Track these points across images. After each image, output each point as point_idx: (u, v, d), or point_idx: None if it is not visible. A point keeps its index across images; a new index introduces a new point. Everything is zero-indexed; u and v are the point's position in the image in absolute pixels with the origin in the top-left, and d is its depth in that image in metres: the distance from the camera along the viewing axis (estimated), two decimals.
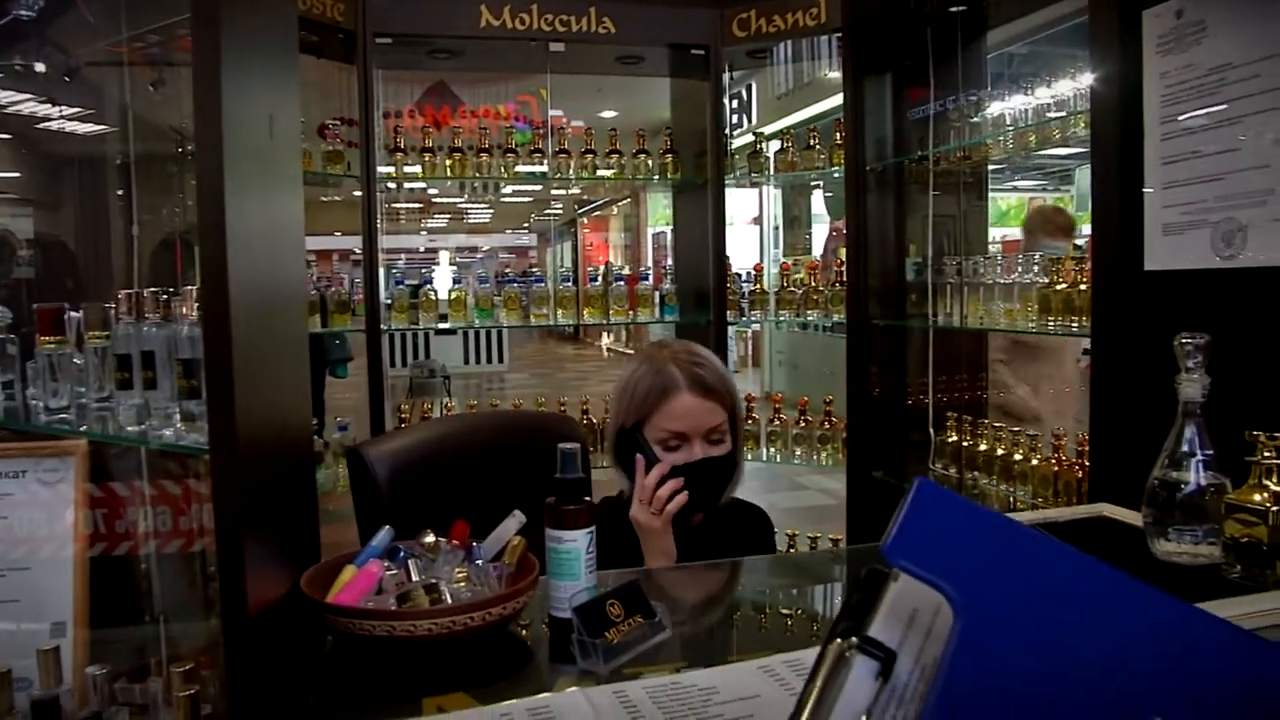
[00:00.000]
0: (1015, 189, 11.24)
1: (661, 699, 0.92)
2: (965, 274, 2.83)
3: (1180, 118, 1.49)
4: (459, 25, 3.12)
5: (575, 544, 1.13)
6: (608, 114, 9.28)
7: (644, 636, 1.09)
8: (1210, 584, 1.19)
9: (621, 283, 3.53)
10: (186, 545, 1.79)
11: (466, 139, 3.43)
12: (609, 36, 3.20)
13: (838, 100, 3.36)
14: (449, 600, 1.08)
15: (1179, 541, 1.28)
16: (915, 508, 0.59)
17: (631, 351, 14.24)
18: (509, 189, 3.22)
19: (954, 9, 2.88)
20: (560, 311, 3.48)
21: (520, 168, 3.41)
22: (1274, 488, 1.20)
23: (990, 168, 3.37)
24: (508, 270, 3.73)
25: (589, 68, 3.70)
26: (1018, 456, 2.70)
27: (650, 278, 3.56)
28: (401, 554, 1.17)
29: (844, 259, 3.29)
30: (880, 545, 0.56)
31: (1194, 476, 1.25)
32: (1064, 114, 2.52)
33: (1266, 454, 1.20)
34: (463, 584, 1.13)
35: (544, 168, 3.42)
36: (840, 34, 3.11)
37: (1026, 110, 2.67)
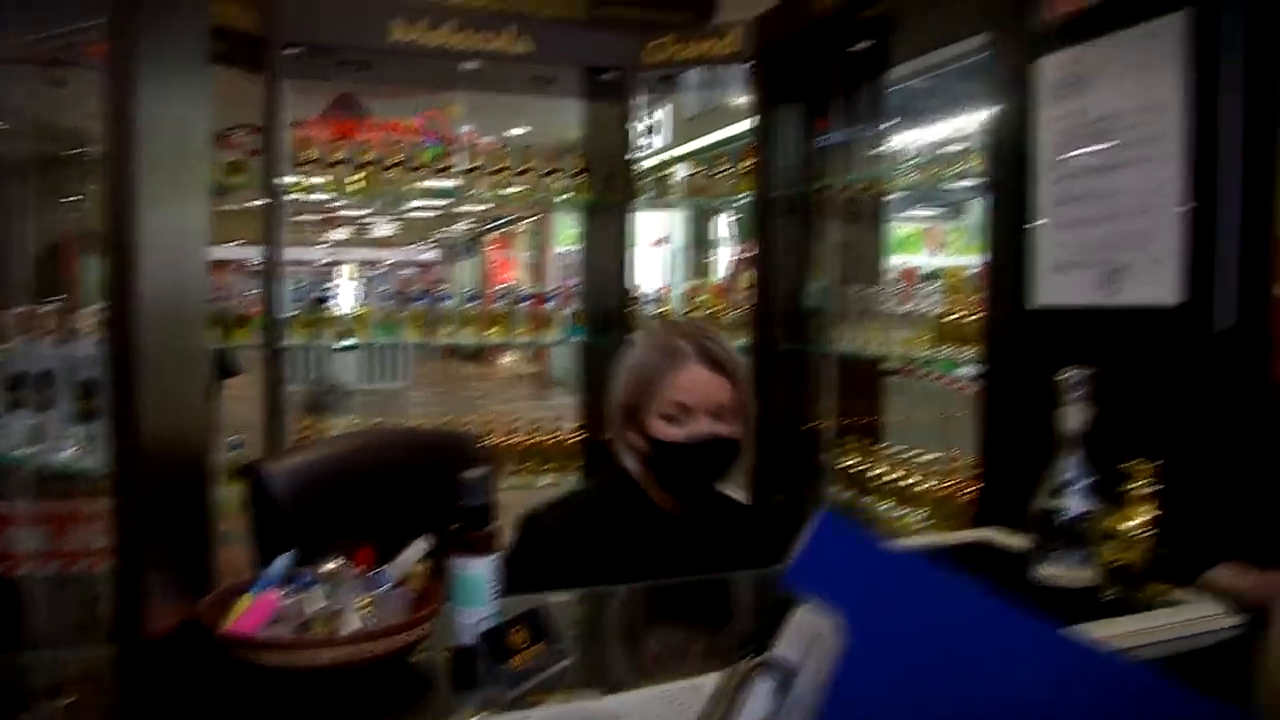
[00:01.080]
0: (912, 219, 11.61)
1: None
2: (865, 301, 2.92)
3: (1069, 162, 1.58)
4: (371, 38, 3.09)
5: (480, 571, 1.13)
6: (518, 130, 9.29)
7: (547, 663, 1.09)
8: (1087, 605, 1.25)
9: (527, 303, 3.53)
10: (67, 567, 1.73)
11: (375, 153, 3.39)
12: (524, 56, 3.20)
13: (746, 125, 3.43)
14: (352, 628, 1.07)
15: (1059, 565, 1.34)
16: (816, 537, 0.63)
17: (535, 369, 14.19)
18: (415, 203, 3.19)
19: (859, 45, 2.98)
20: (465, 330, 3.45)
21: (429, 183, 3.38)
22: (1146, 514, 1.27)
23: (892, 196, 3.48)
24: (412, 286, 3.70)
25: (502, 87, 3.68)
26: (913, 481, 2.79)
27: (555, 299, 3.57)
28: (302, 580, 1.15)
29: (749, 283, 3.36)
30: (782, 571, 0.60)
31: (1074, 503, 1.32)
32: (962, 149, 2.63)
33: (1139, 483, 1.27)
34: (366, 611, 1.12)
35: (452, 183, 3.40)
36: (752, 63, 3.18)
37: (924, 146, 2.77)
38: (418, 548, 1.21)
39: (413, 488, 1.73)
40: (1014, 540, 1.46)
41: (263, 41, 2.93)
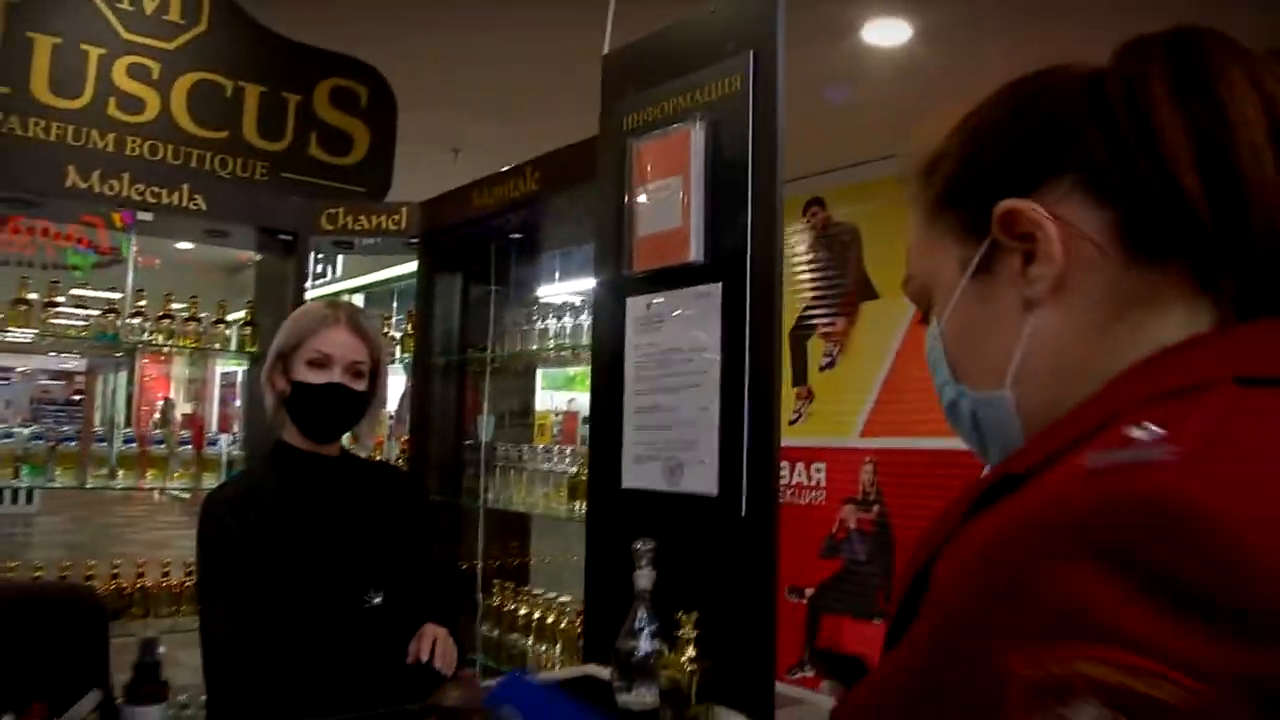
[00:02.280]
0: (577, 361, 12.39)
1: None
2: (511, 459, 3.31)
3: (646, 380, 2.05)
4: (45, 183, 3.08)
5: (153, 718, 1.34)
6: (184, 246, 9.00)
7: None
8: None
9: (188, 446, 3.54)
10: None
11: (16, 253, 3.34)
12: (198, 213, 3.32)
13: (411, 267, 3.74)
14: None
15: (634, 693, 1.73)
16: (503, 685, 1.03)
17: (188, 496, 13.30)
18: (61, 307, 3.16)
19: (512, 235, 3.44)
20: (122, 473, 3.42)
21: (80, 291, 3.36)
22: (691, 652, 1.68)
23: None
24: (50, 400, 3.61)
25: (176, 234, 3.76)
26: (550, 619, 3.15)
27: (218, 443, 3.63)
28: None
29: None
30: None
31: (643, 645, 1.72)
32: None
33: (686, 628, 1.68)
34: None
35: (111, 294, 3.38)
36: (417, 240, 3.54)
37: (565, 327, 3.24)
38: (90, 699, 1.38)
39: (24, 650, 1.81)
40: (609, 673, 1.82)
41: None
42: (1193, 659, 0.41)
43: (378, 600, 1.94)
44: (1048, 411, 0.62)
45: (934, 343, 0.73)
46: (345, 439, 2.12)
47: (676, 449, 1.93)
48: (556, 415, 7.37)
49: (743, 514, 1.81)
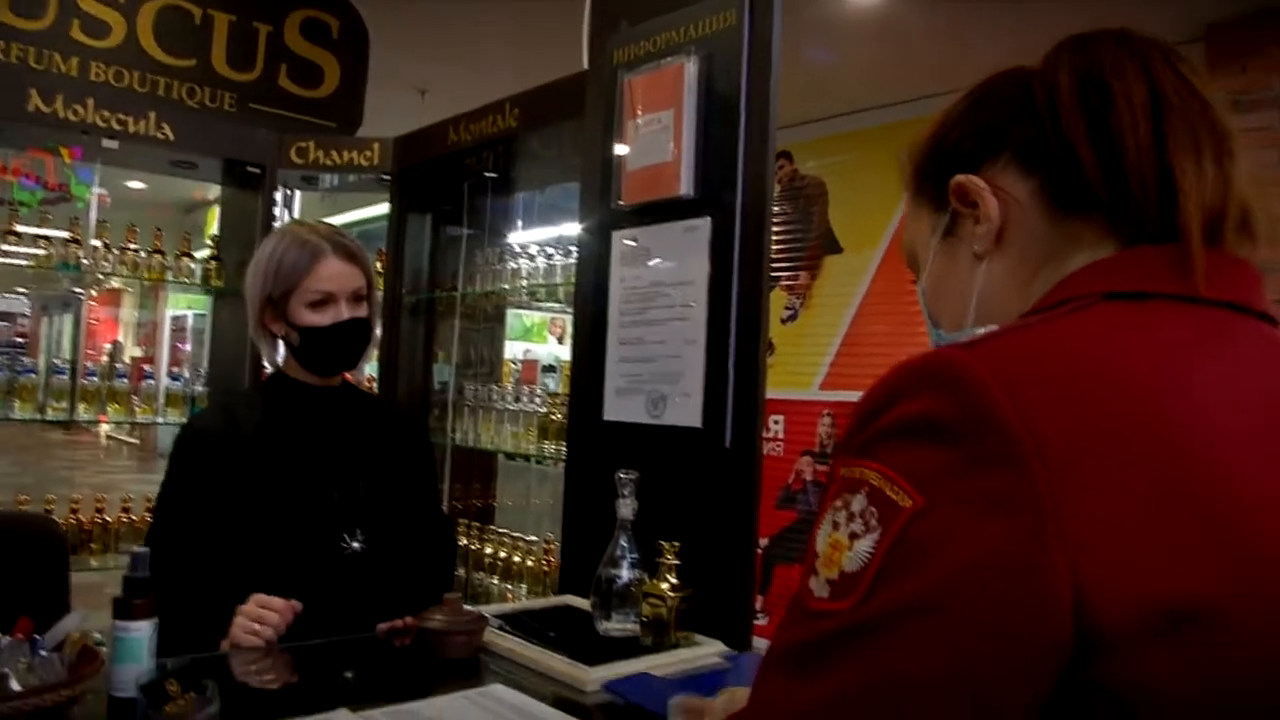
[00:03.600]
0: (539, 308, 12.34)
1: None
2: (480, 398, 3.31)
3: (631, 313, 2.06)
4: (6, 106, 3.00)
5: (140, 633, 1.32)
6: (135, 185, 8.79)
7: (197, 709, 1.31)
8: (633, 649, 1.66)
9: (125, 379, 3.49)
10: None
11: None
12: (166, 143, 3.26)
13: (380, 210, 3.68)
14: (15, 688, 1.22)
15: (614, 621, 1.76)
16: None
17: (136, 441, 13.08)
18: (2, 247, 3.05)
19: (488, 174, 3.41)
20: (51, 403, 3.34)
21: (26, 228, 3.28)
22: (672, 580, 1.72)
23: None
24: None
25: (142, 165, 3.67)
26: (515, 558, 3.18)
27: (156, 377, 3.57)
28: None
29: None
30: None
31: (624, 573, 1.75)
32: (570, 269, 3.07)
33: (668, 557, 1.72)
34: (27, 672, 1.27)
35: (58, 233, 3.31)
36: (390, 177, 3.50)
37: (538, 268, 3.23)
38: (72, 619, 1.38)
39: None
40: (586, 603, 1.85)
41: None
42: (922, 475, 0.59)
43: (357, 545, 1.82)
44: None
45: (920, 298, 0.90)
46: None
47: (660, 382, 1.95)
48: (515, 364, 7.37)
49: (727, 445, 1.84)
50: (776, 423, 5.53)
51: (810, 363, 5.43)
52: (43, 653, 1.32)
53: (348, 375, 2.00)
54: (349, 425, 1.92)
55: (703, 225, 1.91)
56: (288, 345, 1.88)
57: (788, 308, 5.60)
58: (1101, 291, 0.69)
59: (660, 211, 2.01)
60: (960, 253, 0.83)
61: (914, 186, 0.89)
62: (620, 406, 2.04)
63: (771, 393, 5.47)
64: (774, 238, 5.65)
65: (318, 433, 1.88)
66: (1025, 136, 0.78)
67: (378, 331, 1.95)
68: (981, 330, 0.78)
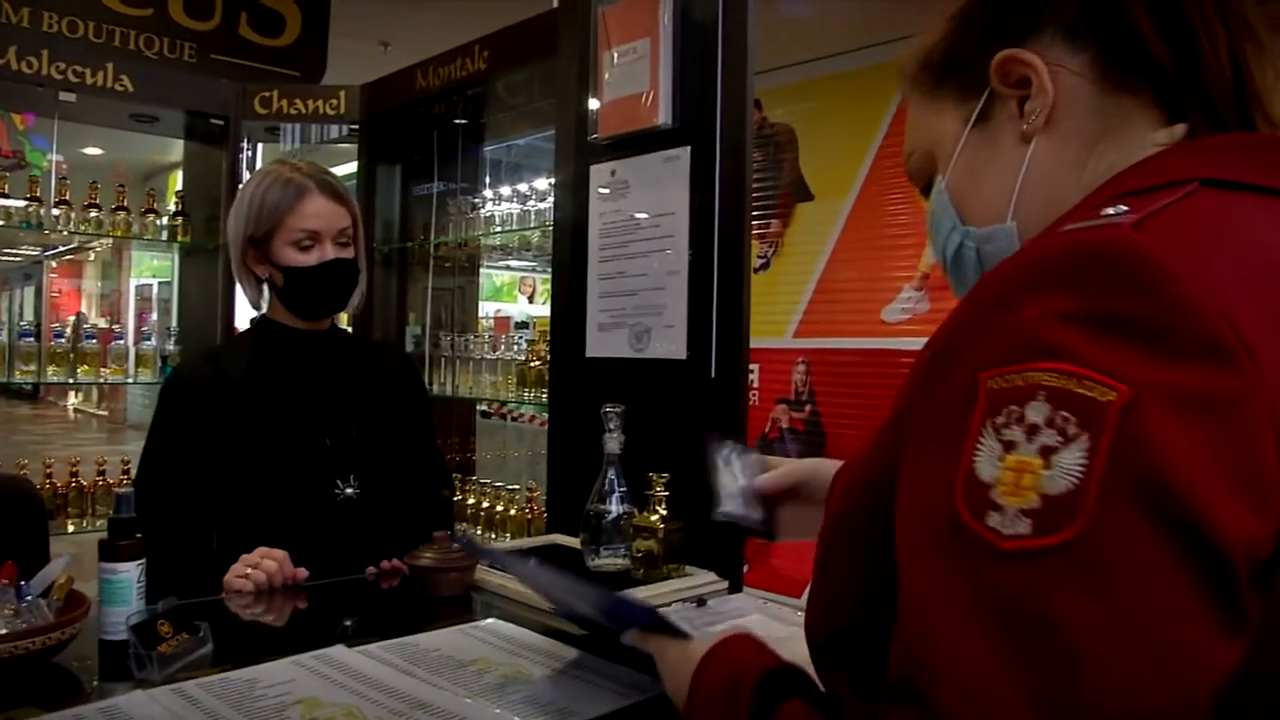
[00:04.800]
0: (509, 268, 12.28)
1: (214, 690, 1.15)
2: (458, 349, 3.28)
3: (610, 246, 2.04)
4: None
5: (128, 574, 1.30)
6: (92, 151, 8.62)
7: (191, 649, 1.29)
8: (624, 583, 1.65)
9: (93, 340, 3.41)
10: None
11: None
12: (125, 95, 3.18)
13: (348, 169, 3.62)
14: (1, 632, 1.20)
15: (605, 556, 1.76)
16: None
17: (105, 413, 12.94)
18: None
19: (457, 121, 3.36)
20: (19, 367, 3.27)
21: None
22: (662, 512, 1.72)
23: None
24: None
25: (101, 120, 3.56)
26: (499, 507, 3.18)
27: (144, 337, 3.51)
28: None
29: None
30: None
31: (613, 508, 1.74)
32: (543, 215, 3.05)
33: (658, 489, 1.71)
34: (14, 616, 1.25)
35: (21, 202, 3.23)
36: (356, 125, 3.43)
37: (512, 214, 3.20)
38: (58, 563, 1.35)
39: None
40: (575, 541, 1.85)
41: None
42: (1119, 368, 0.52)
43: (350, 492, 1.78)
44: None
45: (939, 198, 0.84)
46: None
47: (643, 315, 1.94)
48: (487, 321, 7.34)
49: (713, 375, 1.83)
50: (751, 372, 5.53)
51: (783, 311, 5.42)
52: (29, 598, 1.30)
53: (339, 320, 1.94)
54: (339, 370, 1.87)
55: (682, 155, 1.89)
56: (272, 287, 1.82)
57: (760, 256, 5.58)
58: (1201, 177, 0.64)
59: (638, 143, 1.98)
60: (1000, 138, 0.78)
61: (930, 83, 0.84)
62: (603, 342, 2.03)
63: None
64: None
65: (307, 378, 1.83)
66: (1069, 12, 0.74)
67: (364, 277, 1.88)
68: (1010, 223, 0.77)
